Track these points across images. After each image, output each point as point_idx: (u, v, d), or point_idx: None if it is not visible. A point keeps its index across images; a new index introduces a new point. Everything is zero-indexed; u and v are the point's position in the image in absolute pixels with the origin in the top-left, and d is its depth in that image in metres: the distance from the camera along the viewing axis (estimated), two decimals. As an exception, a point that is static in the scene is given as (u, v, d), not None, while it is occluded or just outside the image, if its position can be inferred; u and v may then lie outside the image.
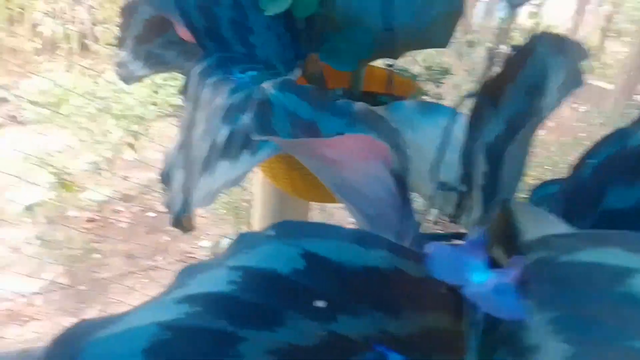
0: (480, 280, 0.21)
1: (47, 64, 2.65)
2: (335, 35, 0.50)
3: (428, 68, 0.55)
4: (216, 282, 0.23)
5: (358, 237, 0.22)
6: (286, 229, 0.23)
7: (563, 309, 0.17)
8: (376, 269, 0.22)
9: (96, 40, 2.78)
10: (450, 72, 0.55)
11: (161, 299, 0.24)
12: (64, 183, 1.82)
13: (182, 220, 0.45)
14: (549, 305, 0.18)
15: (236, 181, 0.43)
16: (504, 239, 0.25)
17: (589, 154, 0.29)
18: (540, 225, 0.20)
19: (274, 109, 0.32)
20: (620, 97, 2.54)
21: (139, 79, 0.57)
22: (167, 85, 2.42)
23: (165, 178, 0.50)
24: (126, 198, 1.97)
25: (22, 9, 2.66)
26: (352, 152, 0.27)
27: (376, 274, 0.22)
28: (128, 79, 0.57)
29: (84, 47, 2.79)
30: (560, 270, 0.18)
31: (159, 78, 2.43)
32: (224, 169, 0.44)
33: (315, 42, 0.51)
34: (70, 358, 0.21)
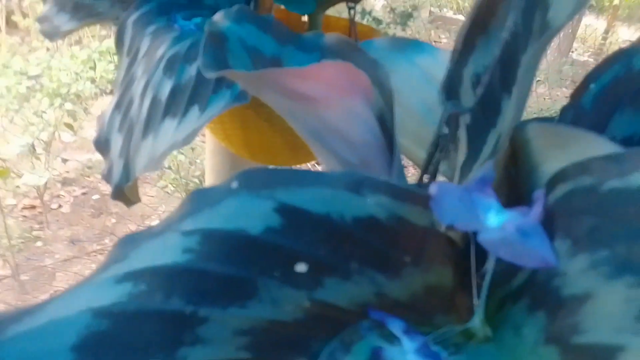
0: (497, 223, 0.17)
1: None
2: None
3: (392, 10, 0.50)
4: (167, 251, 0.18)
5: (349, 182, 0.18)
6: (253, 179, 0.18)
7: (619, 246, 0.13)
8: (372, 219, 0.18)
9: (24, 16, 2.55)
10: (414, 17, 0.50)
11: (95, 279, 0.18)
12: (-3, 169, 1.67)
13: (124, 191, 0.39)
14: (595, 244, 0.14)
15: (185, 141, 0.37)
16: (511, 167, 0.21)
17: (591, 78, 0.26)
18: (573, 148, 0.16)
19: (229, 43, 0.26)
20: (556, 54, 2.60)
21: (65, 34, 0.49)
22: (104, 60, 2.25)
23: (102, 145, 0.43)
24: (66, 181, 1.84)
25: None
26: (330, 86, 0.22)
27: (372, 225, 0.18)
28: (53, 34, 0.49)
29: (11, 24, 2.56)
30: (609, 200, 0.14)
31: (95, 52, 2.27)
32: (170, 129, 0.38)
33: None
34: (-30, 365, 0.16)
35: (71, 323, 0.17)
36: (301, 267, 0.17)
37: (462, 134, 0.30)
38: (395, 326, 0.17)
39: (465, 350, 0.18)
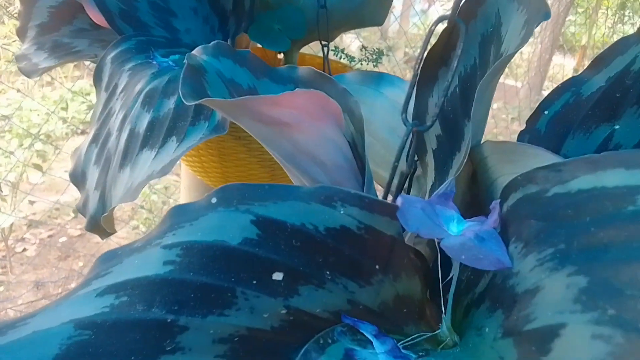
0: (457, 231, 0.19)
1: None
2: (267, 14, 0.47)
3: (363, 48, 0.53)
4: (148, 264, 0.19)
5: (321, 195, 0.19)
6: (231, 194, 0.19)
7: (561, 243, 0.15)
8: (344, 229, 0.19)
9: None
10: (384, 54, 0.53)
11: (76, 294, 0.19)
12: (-40, 212, 1.61)
13: (99, 222, 0.39)
14: (541, 244, 0.16)
15: (162, 172, 0.38)
16: (474, 186, 0.22)
17: (544, 105, 0.28)
18: (521, 162, 0.18)
19: (208, 75, 0.28)
20: (529, 93, 2.73)
21: (43, 71, 0.50)
22: (77, 100, 2.25)
23: (78, 177, 0.44)
24: (33, 223, 1.79)
25: None
26: (304, 111, 0.23)
27: (344, 234, 0.19)
28: (31, 72, 0.50)
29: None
30: (552, 204, 0.16)
31: (68, 93, 2.26)
32: (147, 160, 0.39)
33: (245, 23, 0.48)
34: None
35: (54, 334, 0.17)
36: (277, 276, 0.18)
37: (430, 160, 0.32)
38: (367, 330, 0.18)
39: (433, 354, 0.19)
